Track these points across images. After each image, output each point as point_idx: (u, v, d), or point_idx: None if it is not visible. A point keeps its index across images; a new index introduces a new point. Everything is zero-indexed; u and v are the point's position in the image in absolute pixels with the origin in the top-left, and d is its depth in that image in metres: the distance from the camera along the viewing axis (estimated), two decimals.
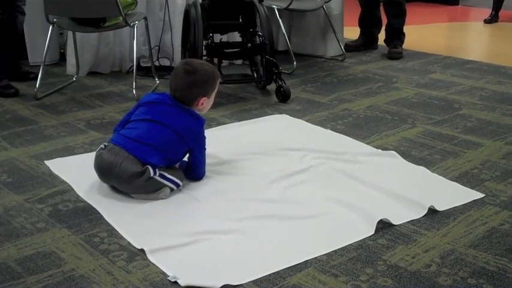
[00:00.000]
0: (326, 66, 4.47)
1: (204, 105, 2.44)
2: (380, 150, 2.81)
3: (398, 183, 2.43)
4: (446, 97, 3.70)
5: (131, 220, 2.13)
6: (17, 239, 2.01)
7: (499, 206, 2.29)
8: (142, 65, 4.19)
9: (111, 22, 3.58)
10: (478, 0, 7.65)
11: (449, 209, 2.25)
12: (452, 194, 2.37)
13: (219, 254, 1.93)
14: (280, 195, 2.32)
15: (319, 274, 1.84)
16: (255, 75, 3.86)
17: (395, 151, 2.78)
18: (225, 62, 4.16)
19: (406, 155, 2.76)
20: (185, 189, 2.36)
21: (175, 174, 2.33)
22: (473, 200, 2.33)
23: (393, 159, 2.71)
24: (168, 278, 1.79)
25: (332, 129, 3.10)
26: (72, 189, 2.38)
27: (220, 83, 2.51)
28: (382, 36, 4.95)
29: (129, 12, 3.60)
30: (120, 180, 2.26)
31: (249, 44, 3.67)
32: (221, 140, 2.85)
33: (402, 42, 4.81)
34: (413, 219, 2.17)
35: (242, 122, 3.21)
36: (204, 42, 3.50)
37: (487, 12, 6.68)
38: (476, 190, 2.41)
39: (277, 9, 4.26)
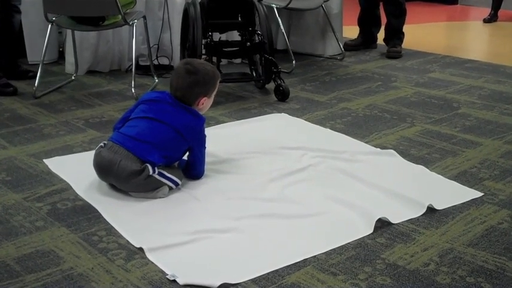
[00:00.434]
0: (325, 65, 4.47)
1: (205, 105, 2.44)
2: (379, 149, 2.81)
3: (397, 182, 2.43)
4: (445, 96, 3.70)
5: (130, 219, 2.13)
6: (16, 238, 2.01)
7: (498, 205, 2.29)
8: (141, 63, 4.18)
9: (110, 21, 3.58)
10: None
11: (448, 207, 2.25)
12: (451, 193, 2.37)
13: (217, 252, 1.92)
14: (279, 194, 2.32)
15: (318, 273, 1.84)
16: (254, 74, 3.85)
17: (394, 150, 2.78)
18: (224, 61, 4.16)
19: (405, 154, 2.76)
20: (184, 187, 2.36)
21: (174, 173, 2.33)
22: (471, 199, 2.33)
23: (392, 158, 2.71)
24: (167, 276, 1.79)
25: (331, 128, 3.10)
26: (71, 187, 2.38)
27: (219, 81, 2.52)
28: (381, 35, 4.95)
29: (128, 11, 3.60)
30: (119, 179, 2.25)
31: (248, 43, 3.67)
32: (220, 138, 2.84)
33: (401, 41, 4.80)
34: (412, 218, 2.17)
35: (241, 120, 3.20)
36: (203, 41, 3.50)
37: (486, 11, 6.68)
38: (475, 189, 2.41)
39: (276, 8, 4.26)
